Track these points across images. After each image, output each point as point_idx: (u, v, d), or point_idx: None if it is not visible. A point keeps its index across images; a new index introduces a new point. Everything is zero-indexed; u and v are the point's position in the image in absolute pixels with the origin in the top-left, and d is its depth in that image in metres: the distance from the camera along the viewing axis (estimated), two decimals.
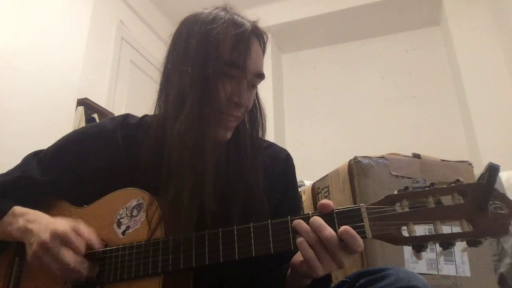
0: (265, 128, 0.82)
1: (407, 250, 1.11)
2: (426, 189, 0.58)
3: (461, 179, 0.57)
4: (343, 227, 0.57)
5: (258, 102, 0.83)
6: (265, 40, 0.79)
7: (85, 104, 2.39)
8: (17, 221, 0.71)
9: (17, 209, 0.74)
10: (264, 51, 0.79)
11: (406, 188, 0.59)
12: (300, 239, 0.59)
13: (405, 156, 1.26)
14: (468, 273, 1.14)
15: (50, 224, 0.66)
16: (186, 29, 0.76)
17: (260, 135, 0.82)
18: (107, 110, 2.58)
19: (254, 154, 0.78)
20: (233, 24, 0.73)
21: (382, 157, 1.21)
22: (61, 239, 0.64)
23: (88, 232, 0.68)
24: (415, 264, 1.11)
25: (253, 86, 0.77)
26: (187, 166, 0.67)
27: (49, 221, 0.68)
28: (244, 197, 0.73)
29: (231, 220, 0.68)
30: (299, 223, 0.60)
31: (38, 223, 0.68)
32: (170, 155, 0.69)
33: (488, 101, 2.76)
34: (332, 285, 0.73)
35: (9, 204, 0.74)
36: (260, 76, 0.76)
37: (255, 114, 0.82)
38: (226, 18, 0.73)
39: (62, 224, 0.67)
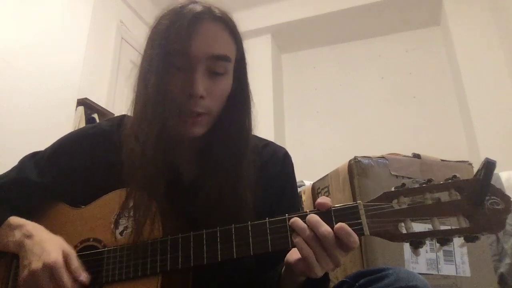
0: (252, 120, 0.76)
1: (407, 250, 1.11)
2: (423, 185, 0.58)
3: (457, 175, 0.57)
4: (338, 224, 0.58)
5: (243, 91, 0.76)
6: (228, 20, 0.72)
7: (85, 104, 2.39)
8: (14, 234, 0.70)
9: (12, 220, 0.73)
10: (231, 33, 0.72)
11: (403, 184, 0.59)
12: (297, 239, 0.59)
13: (405, 156, 1.25)
14: (468, 273, 1.13)
15: (45, 252, 0.65)
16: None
17: (245, 127, 0.75)
18: (107, 110, 2.58)
19: (239, 149, 0.73)
20: (178, 13, 0.69)
21: (382, 157, 1.21)
22: (51, 271, 0.63)
23: (77, 265, 0.66)
24: (415, 264, 1.11)
25: (216, 73, 0.70)
26: (142, 167, 0.67)
27: (44, 244, 0.67)
28: (226, 194, 0.71)
29: (213, 220, 0.67)
30: (296, 220, 0.60)
31: (34, 241, 0.68)
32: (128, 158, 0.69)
33: (488, 101, 2.76)
34: (332, 285, 0.72)
35: (4, 215, 0.74)
36: (219, 58, 0.69)
37: (239, 106, 0.75)
38: (176, 10, 0.70)
39: (55, 252, 0.65)
